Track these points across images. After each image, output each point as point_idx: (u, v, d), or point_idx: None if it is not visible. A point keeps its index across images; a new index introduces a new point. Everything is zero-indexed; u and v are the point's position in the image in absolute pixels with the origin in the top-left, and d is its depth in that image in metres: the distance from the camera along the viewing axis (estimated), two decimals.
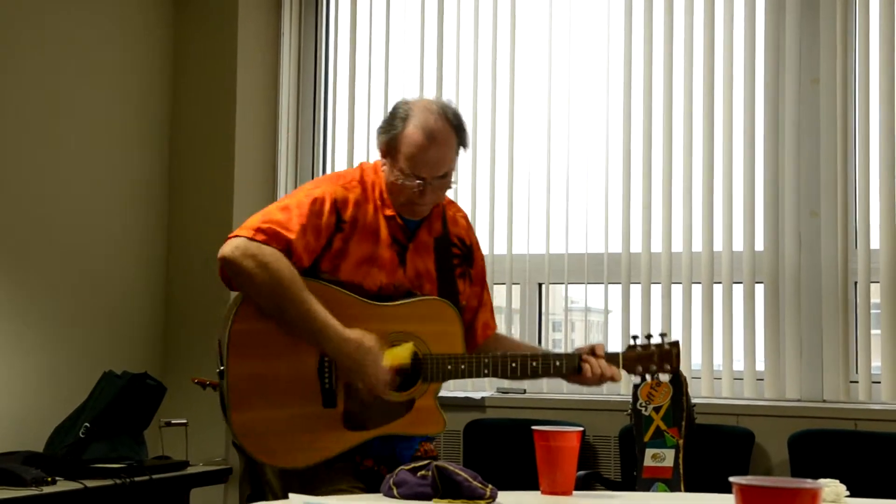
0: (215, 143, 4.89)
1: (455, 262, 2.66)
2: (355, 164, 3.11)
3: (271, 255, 2.38)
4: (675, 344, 2.62)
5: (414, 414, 2.50)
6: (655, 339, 2.63)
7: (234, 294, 2.52)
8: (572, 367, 2.56)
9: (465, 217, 2.77)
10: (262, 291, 2.38)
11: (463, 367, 2.50)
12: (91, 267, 4.54)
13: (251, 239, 2.40)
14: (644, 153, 4.45)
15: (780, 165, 4.27)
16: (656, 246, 4.40)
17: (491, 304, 2.80)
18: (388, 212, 2.55)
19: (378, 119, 4.78)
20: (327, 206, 2.47)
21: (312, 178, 4.89)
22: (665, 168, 4.41)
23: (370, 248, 2.51)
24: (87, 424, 3.90)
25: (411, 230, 2.59)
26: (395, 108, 2.58)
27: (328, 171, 5.02)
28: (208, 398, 4.52)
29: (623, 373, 2.62)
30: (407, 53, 4.90)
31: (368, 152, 4.85)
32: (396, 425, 2.49)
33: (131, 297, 4.74)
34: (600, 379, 2.56)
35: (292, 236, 2.42)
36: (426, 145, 2.49)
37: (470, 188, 4.68)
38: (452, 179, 2.58)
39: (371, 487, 2.44)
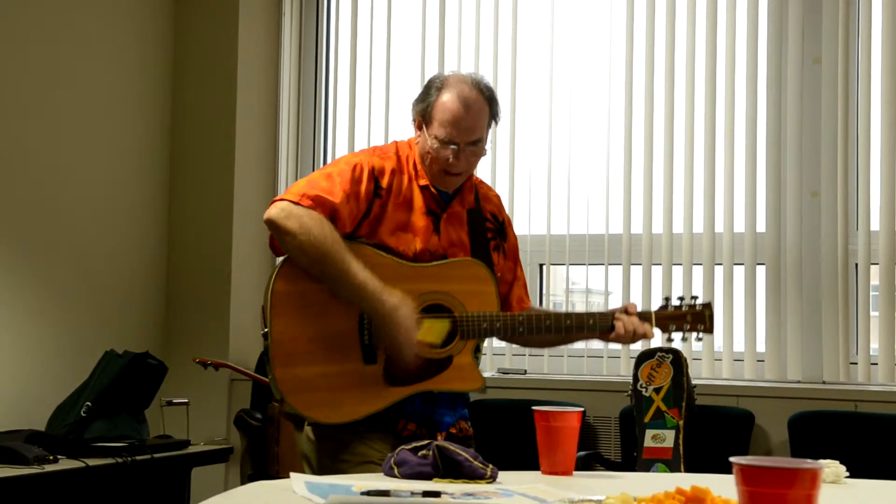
0: (217, 131, 4.89)
1: (489, 235, 2.71)
2: None
3: (315, 217, 2.44)
4: (708, 305, 2.67)
5: (453, 370, 2.54)
6: (687, 301, 2.67)
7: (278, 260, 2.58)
8: (605, 325, 2.60)
9: (498, 196, 2.83)
10: (305, 250, 2.43)
11: (498, 325, 2.55)
12: (93, 247, 4.54)
13: (296, 203, 2.46)
14: (646, 134, 4.44)
15: (782, 146, 4.26)
16: (657, 227, 4.40)
17: (525, 280, 2.84)
18: (423, 181, 2.60)
19: (379, 114, 4.86)
20: (366, 174, 2.54)
21: (313, 169, 4.91)
22: (666, 149, 4.40)
23: (405, 215, 2.56)
24: (88, 403, 3.91)
25: (445, 201, 2.63)
26: (429, 81, 2.66)
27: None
28: (209, 378, 4.55)
29: (657, 332, 2.65)
30: (408, 44, 4.88)
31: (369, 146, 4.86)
32: (436, 381, 2.52)
33: (133, 277, 4.75)
34: (633, 336, 2.59)
35: (337, 200, 2.48)
36: (460, 111, 2.56)
37: None
38: (485, 147, 2.64)
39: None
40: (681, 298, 2.68)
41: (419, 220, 2.57)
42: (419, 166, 2.60)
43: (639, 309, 2.63)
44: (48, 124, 4.35)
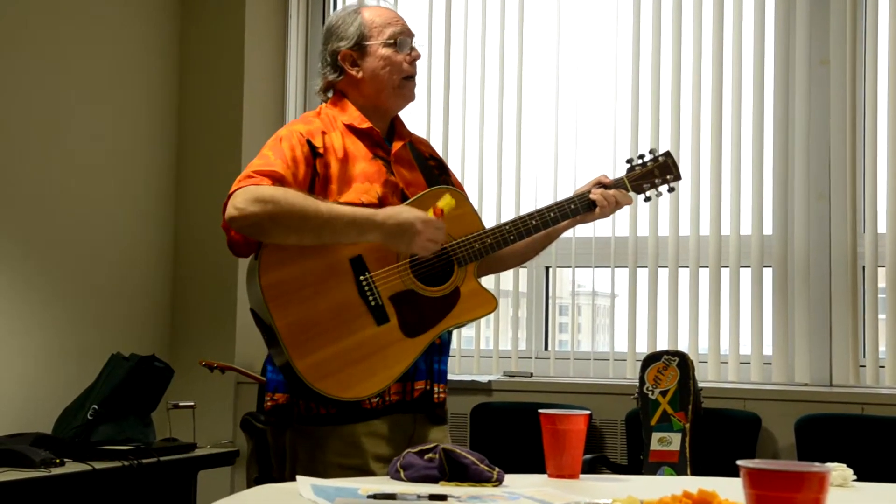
0: (223, 132, 4.89)
1: (436, 172, 2.67)
2: None
3: (269, 188, 2.36)
4: (667, 154, 2.68)
5: (464, 300, 2.49)
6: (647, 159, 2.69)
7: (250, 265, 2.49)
8: (586, 204, 2.62)
9: (428, 141, 2.82)
10: (283, 221, 2.33)
11: (489, 241, 2.52)
12: (99, 250, 4.55)
13: (242, 187, 2.36)
14: (652, 135, 4.44)
15: (789, 148, 4.26)
16: (664, 229, 4.40)
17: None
18: (364, 124, 2.55)
19: None
20: (296, 139, 2.47)
21: None
22: (673, 150, 4.37)
23: (352, 167, 2.50)
24: (95, 406, 3.91)
25: (389, 144, 2.60)
26: (337, 23, 2.62)
27: None
28: (216, 381, 4.55)
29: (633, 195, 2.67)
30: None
31: None
32: (453, 316, 2.47)
33: (139, 280, 4.76)
34: (616, 205, 2.62)
35: (280, 169, 2.40)
36: (391, 12, 2.63)
37: (477, 171, 4.68)
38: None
39: (422, 408, 2.52)
40: (641, 156, 2.68)
41: (369, 166, 2.50)
42: (355, 113, 2.55)
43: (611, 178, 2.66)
44: (53, 126, 4.35)
